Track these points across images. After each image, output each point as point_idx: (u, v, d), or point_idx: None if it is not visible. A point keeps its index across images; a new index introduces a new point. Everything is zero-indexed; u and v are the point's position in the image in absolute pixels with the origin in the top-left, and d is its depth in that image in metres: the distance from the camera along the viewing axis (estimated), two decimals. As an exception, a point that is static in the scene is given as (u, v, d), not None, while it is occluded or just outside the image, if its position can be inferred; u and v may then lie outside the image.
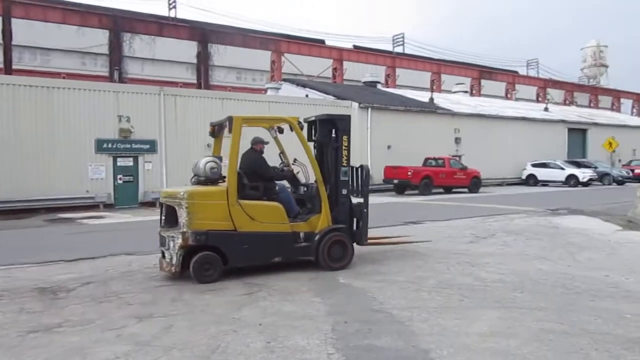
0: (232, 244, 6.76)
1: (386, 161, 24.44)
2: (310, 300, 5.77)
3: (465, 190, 24.49)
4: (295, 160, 8.05)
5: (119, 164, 19.03)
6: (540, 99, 50.62)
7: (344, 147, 7.57)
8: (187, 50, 35.49)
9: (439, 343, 4.36)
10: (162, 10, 64.84)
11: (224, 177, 7.10)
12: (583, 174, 28.68)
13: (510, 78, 51.64)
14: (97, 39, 32.60)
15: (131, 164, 19.29)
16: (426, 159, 24.79)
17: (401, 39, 47.08)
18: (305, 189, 7.81)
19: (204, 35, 33.68)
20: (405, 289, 6.23)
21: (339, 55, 40.01)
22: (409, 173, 22.72)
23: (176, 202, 6.74)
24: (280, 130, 7.78)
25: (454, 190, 24.38)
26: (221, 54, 35.95)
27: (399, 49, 46.61)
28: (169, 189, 7.40)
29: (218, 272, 6.73)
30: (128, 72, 31.11)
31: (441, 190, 23.81)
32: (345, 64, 39.89)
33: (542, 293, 5.99)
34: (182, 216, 6.60)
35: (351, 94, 28.06)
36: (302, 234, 7.24)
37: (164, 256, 6.98)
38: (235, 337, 4.57)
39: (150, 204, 18.80)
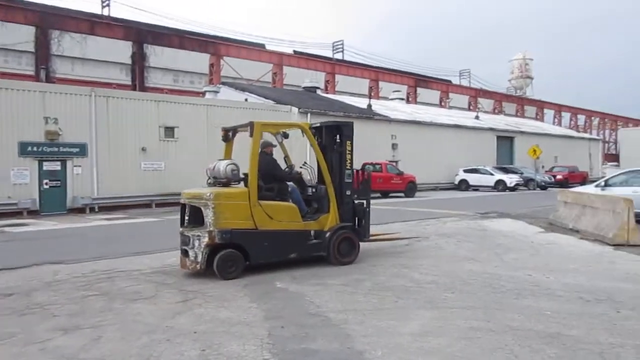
0: (253, 241, 7.20)
1: (325, 166, 24.60)
2: (247, 306, 5.73)
3: (402, 194, 25.14)
4: (305, 163, 8.75)
5: (45, 168, 18.00)
6: (471, 107, 52.90)
7: (347, 152, 8.22)
8: (122, 50, 34.29)
9: (374, 344, 4.45)
10: (95, 8, 62.30)
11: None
12: (510, 180, 30.20)
13: (444, 87, 53.68)
14: (22, 35, 30.83)
15: (59, 168, 18.32)
16: (364, 164, 25.12)
17: (341, 46, 47.77)
18: (314, 190, 8.26)
19: (140, 35, 32.70)
20: (341, 292, 6.31)
21: (279, 60, 40.04)
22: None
23: (202, 202, 7.11)
24: (286, 135, 8.30)
25: (390, 194, 24.96)
26: (158, 55, 35.02)
27: (338, 56, 47.27)
28: (192, 190, 7.66)
29: (241, 269, 7.12)
30: (56, 72, 29.62)
31: (378, 194, 24.31)
32: (285, 68, 39.97)
33: (471, 293, 6.25)
34: (209, 216, 6.98)
35: (291, 98, 28.14)
36: (312, 232, 7.76)
37: (186, 255, 7.26)
38: (169, 346, 4.46)
39: (80, 210, 17.97)
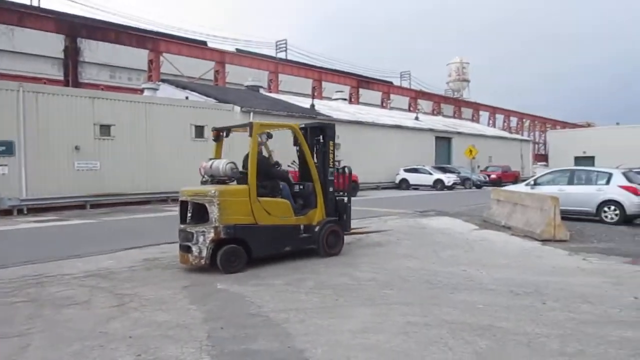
0: (254, 236, 7.59)
1: (268, 166, 24.51)
2: (186, 308, 5.61)
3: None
4: (293, 161, 9.39)
5: (-35, 167, 16.87)
6: (411, 108, 54.26)
7: (330, 151, 8.89)
8: (53, 43, 32.63)
9: (314, 342, 4.48)
10: (23, -2, 58.85)
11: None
12: (448, 179, 31.25)
13: (386, 88, 54.75)
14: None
15: (-18, 167, 17.21)
16: (307, 164, 25.30)
17: (284, 45, 47.71)
18: (302, 187, 8.80)
19: (73, 28, 31.23)
20: (282, 291, 6.31)
21: (221, 57, 39.46)
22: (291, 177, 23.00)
23: (207, 199, 7.39)
24: (270, 136, 8.66)
25: (333, 194, 25.12)
26: (93, 50, 33.58)
27: (282, 55, 47.18)
28: (195, 188, 7.90)
29: (243, 263, 7.47)
30: (-20, 65, 27.81)
31: (321, 194, 24.43)
32: (227, 67, 39.43)
33: (410, 289, 6.43)
34: (214, 212, 7.30)
35: (233, 97, 27.79)
36: (302, 226, 8.26)
37: (188, 250, 7.44)
38: (102, 352, 4.30)
39: (6, 212, 16.94)
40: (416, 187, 31.67)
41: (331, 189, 8.87)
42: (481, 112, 67.51)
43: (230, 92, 31.02)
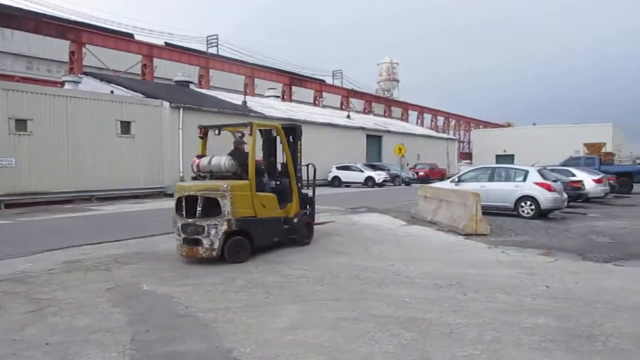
0: (255, 227, 8.15)
1: (199, 163, 23.99)
2: (109, 312, 5.39)
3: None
4: (271, 159, 10.08)
5: None
6: (343, 107, 55.00)
7: (299, 150, 9.78)
8: (-39, 31, 30.18)
9: (243, 341, 4.45)
10: None
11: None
12: (378, 176, 32.01)
13: (318, 86, 55.12)
14: None
15: None
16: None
17: (215, 40, 46.81)
18: (279, 182, 9.50)
19: (-16, 15, 29.00)
20: (212, 291, 6.22)
21: (149, 51, 38.09)
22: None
23: (219, 193, 7.79)
24: (242, 135, 8.95)
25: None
26: (7, 39, 31.35)
27: (213, 50, 46.26)
28: (204, 183, 8.19)
29: (248, 254, 8.02)
30: None
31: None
32: (156, 61, 38.14)
33: (339, 285, 6.53)
34: (227, 205, 7.75)
35: (162, 92, 26.92)
36: (282, 218, 8.99)
37: (196, 244, 7.74)
38: (15, 361, 4.05)
39: None
40: (348, 185, 32.16)
41: (299, 184, 9.68)
42: (410, 112, 69.61)
43: (159, 87, 30.06)
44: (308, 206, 10.02)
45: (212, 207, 7.75)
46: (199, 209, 7.79)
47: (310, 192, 10.30)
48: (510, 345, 4.37)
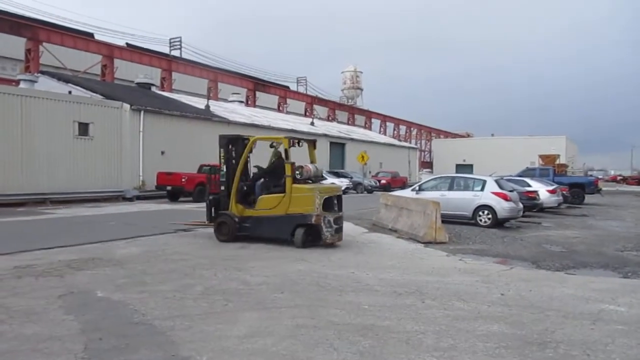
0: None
1: (160, 167, 23.59)
2: (61, 319, 5.20)
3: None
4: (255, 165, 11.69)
5: None
6: (307, 113, 55.18)
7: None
8: None
9: (200, 349, 4.38)
10: None
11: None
12: (341, 184, 32.13)
13: (283, 92, 55.16)
14: None
15: None
16: (201, 166, 24.69)
17: (178, 43, 46.14)
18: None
19: None
20: (169, 298, 6.09)
21: (110, 51, 37.28)
22: (183, 179, 22.34)
23: (338, 194, 10.72)
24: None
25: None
26: (-43, 33, 30.00)
27: (176, 53, 45.57)
28: (333, 187, 11.94)
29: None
30: None
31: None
32: (116, 62, 37.37)
33: (299, 292, 6.52)
34: (340, 203, 10.67)
35: (122, 94, 26.35)
36: None
37: (338, 232, 10.30)
38: (-43, 372, 3.85)
39: None
40: (311, 191, 32.17)
41: None
42: (373, 120, 70.50)
43: (119, 89, 29.42)
44: None
45: (331, 203, 10.32)
46: (335, 203, 10.41)
47: None
48: (465, 353, 4.46)
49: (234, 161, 10.83)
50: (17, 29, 31.92)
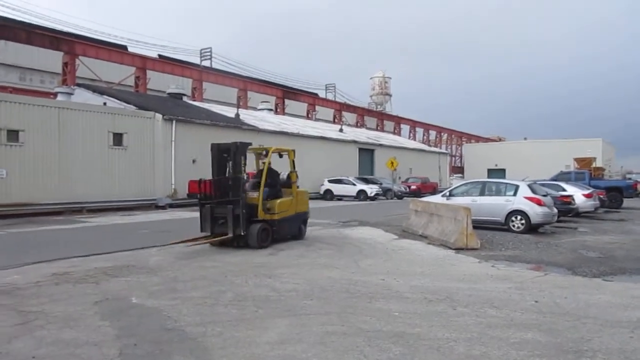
0: None
1: (191, 175, 23.88)
2: (97, 325, 5.35)
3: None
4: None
5: None
6: (336, 120, 55.26)
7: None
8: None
9: (231, 356, 4.43)
10: None
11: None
12: (371, 190, 32.11)
13: (311, 100, 55.39)
14: None
15: None
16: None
17: (209, 53, 46.93)
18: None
19: (-23, 26, 28.99)
20: (201, 304, 6.18)
21: (143, 63, 38.20)
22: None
23: None
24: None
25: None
26: (1, 49, 31.27)
27: (206, 63, 46.37)
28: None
29: None
30: None
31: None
32: (149, 73, 38.23)
33: (328, 299, 6.52)
34: None
35: (155, 104, 26.97)
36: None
37: None
38: (0, 375, 4.00)
39: None
40: (340, 198, 32.21)
41: None
42: (402, 125, 70.03)
43: (152, 100, 30.10)
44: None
45: None
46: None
47: None
48: (498, 360, 4.38)
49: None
50: (56, 43, 33.07)
